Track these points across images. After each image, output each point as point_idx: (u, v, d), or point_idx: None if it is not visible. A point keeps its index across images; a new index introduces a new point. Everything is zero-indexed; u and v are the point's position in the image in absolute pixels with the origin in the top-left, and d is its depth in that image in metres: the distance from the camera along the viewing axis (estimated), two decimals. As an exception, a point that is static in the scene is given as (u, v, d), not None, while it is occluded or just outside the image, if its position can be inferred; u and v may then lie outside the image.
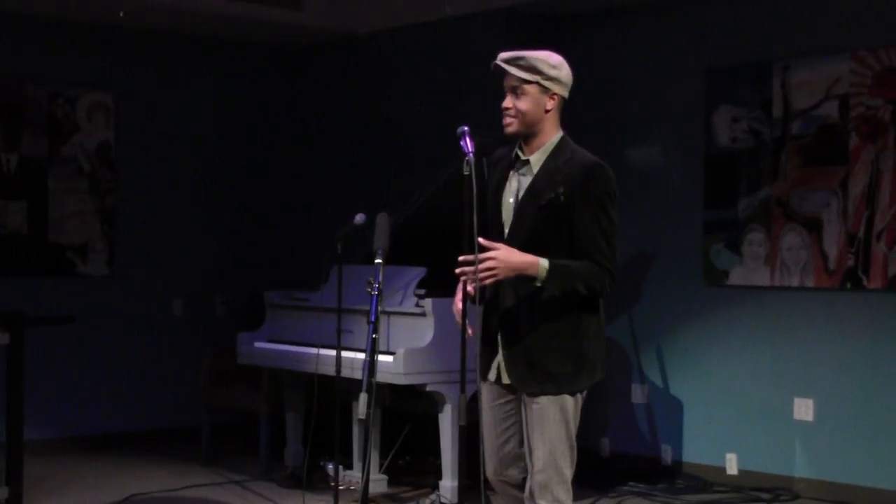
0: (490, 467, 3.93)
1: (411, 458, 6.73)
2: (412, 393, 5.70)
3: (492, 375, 3.84)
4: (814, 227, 6.19)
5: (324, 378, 5.60)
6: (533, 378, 3.73)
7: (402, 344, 5.62)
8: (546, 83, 3.71)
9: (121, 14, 7.24)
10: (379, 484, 6.10)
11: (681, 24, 6.78)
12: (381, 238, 4.15)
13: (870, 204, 6.00)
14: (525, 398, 3.76)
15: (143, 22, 7.61)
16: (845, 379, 6.11)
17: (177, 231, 8.04)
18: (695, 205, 6.66)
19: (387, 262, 4.15)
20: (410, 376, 5.53)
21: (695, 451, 6.64)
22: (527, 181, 3.77)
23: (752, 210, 6.42)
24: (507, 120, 3.76)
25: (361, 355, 3.97)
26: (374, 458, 6.10)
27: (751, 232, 6.43)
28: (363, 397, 3.83)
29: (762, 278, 6.38)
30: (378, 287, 3.98)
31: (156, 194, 7.95)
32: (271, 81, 8.47)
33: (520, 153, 3.81)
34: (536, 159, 3.77)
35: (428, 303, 5.62)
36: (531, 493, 3.77)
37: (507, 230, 3.78)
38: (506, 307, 3.77)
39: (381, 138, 7.96)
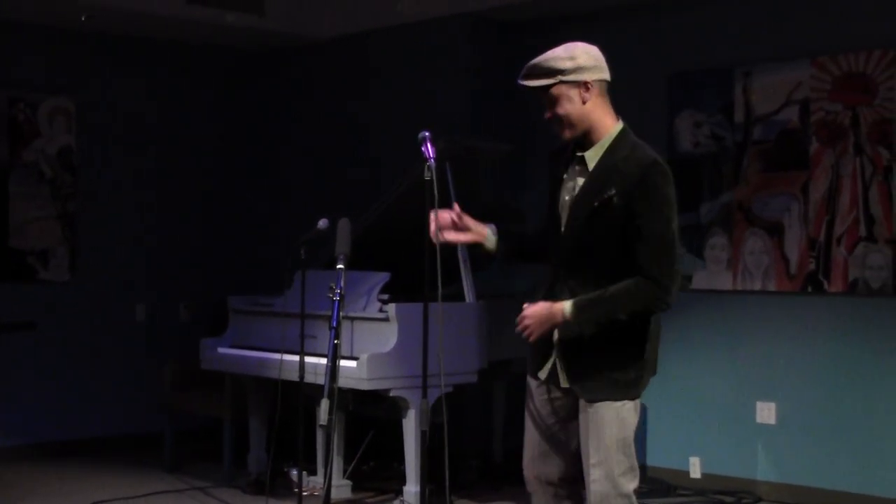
0: (527, 461, 3.75)
1: (375, 464, 6.71)
2: (376, 398, 5.69)
3: (543, 374, 3.68)
4: (775, 231, 6.23)
5: (287, 384, 5.58)
6: (595, 384, 3.55)
7: (365, 349, 5.61)
8: (570, 77, 3.54)
9: (82, 18, 7.20)
10: (343, 489, 6.09)
11: (643, 30, 6.81)
12: (342, 243, 4.14)
13: (830, 208, 6.05)
14: (583, 403, 3.58)
15: (105, 26, 7.57)
16: (807, 382, 6.15)
17: (139, 236, 7.99)
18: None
19: (350, 267, 4.14)
20: (374, 381, 5.52)
21: (658, 455, 6.67)
22: (582, 180, 3.60)
23: (714, 215, 6.46)
24: (557, 130, 3.60)
25: (325, 361, 3.96)
26: (338, 463, 6.08)
27: (713, 236, 6.47)
28: (325, 403, 3.82)
29: (724, 282, 6.42)
30: (340, 292, 3.97)
31: (118, 199, 7.90)
32: (234, 86, 8.44)
33: (577, 149, 3.63)
34: (592, 156, 3.58)
35: (391, 308, 5.61)
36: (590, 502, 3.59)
37: (562, 229, 3.62)
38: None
39: (345, 143, 7.95)
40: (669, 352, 6.63)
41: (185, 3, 7.22)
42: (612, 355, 3.56)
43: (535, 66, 3.56)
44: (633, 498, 3.59)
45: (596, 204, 3.51)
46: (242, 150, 8.46)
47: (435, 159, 3.74)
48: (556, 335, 3.61)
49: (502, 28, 7.26)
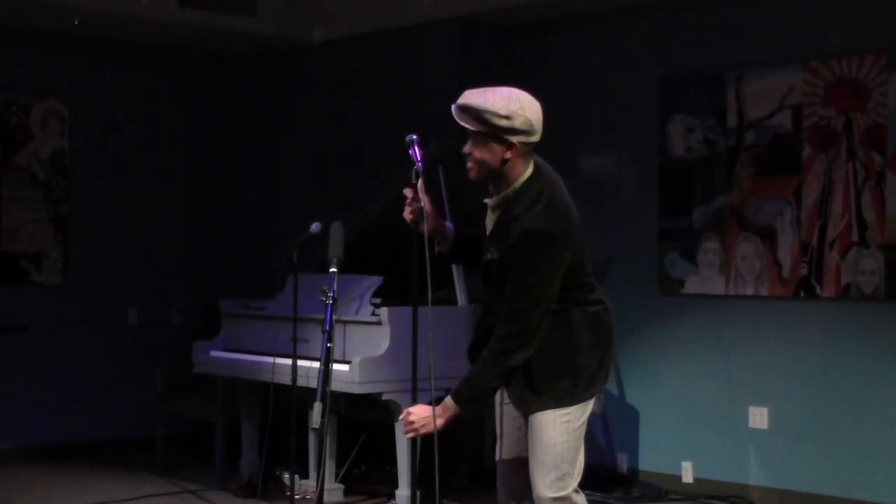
0: (504, 486, 3.92)
1: (367, 467, 6.71)
2: (368, 402, 5.68)
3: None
4: (768, 236, 6.24)
5: (280, 387, 5.58)
6: (531, 397, 3.70)
7: (357, 353, 5.61)
8: (499, 135, 3.56)
9: (75, 22, 7.19)
10: (335, 493, 6.08)
11: (636, 34, 6.82)
12: (335, 247, 4.14)
13: (822, 213, 6.05)
14: (527, 417, 3.75)
15: (98, 30, 7.56)
16: (799, 387, 6.16)
17: (131, 240, 7.98)
18: (650, 214, 6.70)
19: (343, 270, 4.14)
20: (366, 385, 5.52)
21: (650, 460, 6.67)
22: (488, 227, 3.72)
23: (706, 219, 6.47)
24: (469, 165, 3.66)
25: (317, 364, 3.96)
26: (330, 467, 6.08)
27: (705, 241, 6.47)
28: (317, 406, 3.81)
29: (717, 287, 6.42)
30: (332, 296, 3.97)
31: (110, 203, 7.90)
32: (227, 89, 8.44)
33: (490, 186, 3.72)
34: (494, 206, 3.69)
35: (384, 311, 5.61)
36: None
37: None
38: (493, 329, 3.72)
39: (337, 146, 7.95)
40: (661, 356, 6.67)
41: (177, 6, 7.21)
42: (542, 371, 3.68)
43: (472, 109, 3.55)
44: (575, 497, 3.72)
45: (488, 257, 3.68)
46: (235, 154, 8.45)
47: (423, 162, 3.74)
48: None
49: (494, 32, 7.26)
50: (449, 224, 3.92)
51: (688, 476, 6.49)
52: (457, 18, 7.12)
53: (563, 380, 3.69)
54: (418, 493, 4.10)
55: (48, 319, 7.51)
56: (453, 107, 3.61)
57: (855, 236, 5.94)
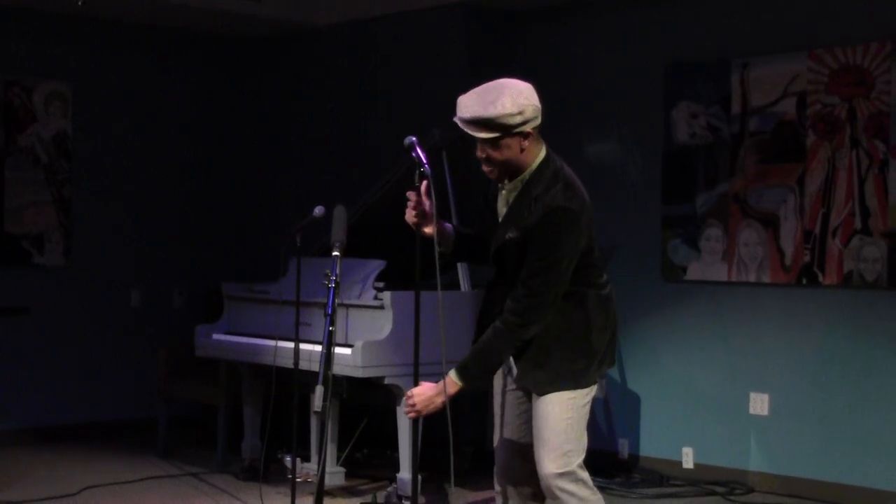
0: (502, 471, 3.93)
1: (369, 451, 6.72)
2: (370, 386, 5.69)
3: (506, 368, 3.89)
4: (770, 223, 6.24)
5: (282, 370, 5.58)
6: (545, 377, 3.74)
7: (360, 336, 5.61)
8: (516, 131, 3.61)
9: (79, 3, 7.17)
10: (336, 476, 6.09)
11: (640, 20, 6.81)
12: (338, 231, 4.13)
13: (826, 201, 6.05)
14: (534, 395, 3.78)
15: (101, 11, 7.55)
16: (800, 374, 6.17)
17: (134, 222, 7.98)
18: (653, 200, 6.70)
19: (346, 254, 4.14)
20: (368, 369, 5.52)
21: (651, 446, 6.68)
22: (504, 210, 3.77)
23: (709, 206, 6.46)
24: (488, 169, 3.71)
25: (319, 348, 3.95)
26: (332, 450, 6.09)
27: (708, 227, 6.47)
28: (319, 390, 3.81)
29: (719, 274, 6.42)
30: (335, 280, 3.96)
31: (113, 185, 7.90)
32: (230, 73, 8.43)
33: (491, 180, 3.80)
34: (511, 189, 3.74)
35: (387, 296, 5.61)
36: (545, 495, 3.77)
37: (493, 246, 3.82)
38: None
39: (341, 130, 7.94)
40: (663, 342, 6.68)
41: (182, -12, 7.21)
42: (558, 349, 3.73)
43: (484, 120, 3.58)
44: (580, 472, 3.74)
45: (507, 236, 3.71)
46: (239, 137, 8.45)
47: (430, 157, 3.74)
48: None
49: (500, 17, 7.25)
50: (448, 225, 3.94)
51: (688, 462, 6.51)
52: (463, 4, 7.12)
53: (578, 361, 3.75)
54: (420, 476, 4.10)
55: (50, 301, 7.52)
56: (459, 121, 3.64)
57: (857, 224, 5.94)
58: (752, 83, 6.30)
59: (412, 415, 3.74)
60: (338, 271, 3.98)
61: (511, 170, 3.70)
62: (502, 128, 3.58)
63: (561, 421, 3.71)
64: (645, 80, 6.74)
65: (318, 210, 5.08)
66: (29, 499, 5.90)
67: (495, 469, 3.96)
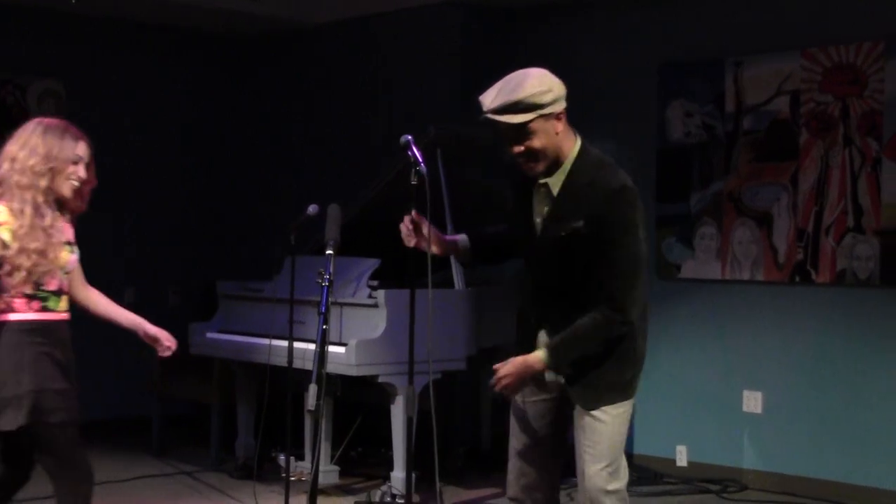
0: (512, 480, 3.74)
1: (363, 450, 6.72)
2: (364, 384, 5.69)
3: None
4: (764, 221, 6.25)
5: (276, 369, 5.58)
6: (594, 391, 3.57)
7: (354, 335, 5.61)
8: (548, 110, 3.45)
9: (73, 1, 7.17)
10: (330, 475, 6.09)
11: (635, 19, 6.81)
12: (332, 229, 4.13)
13: (819, 199, 6.06)
14: (579, 408, 3.61)
15: (96, 9, 7.54)
16: (793, 372, 6.18)
17: (128, 220, 7.97)
18: (647, 198, 6.69)
19: (340, 253, 4.14)
20: (362, 367, 5.52)
21: (645, 443, 6.69)
22: (547, 205, 3.56)
23: (704, 204, 6.47)
24: (528, 165, 3.50)
25: (313, 346, 3.95)
26: (326, 449, 6.08)
27: (703, 226, 6.48)
28: (313, 388, 3.81)
29: (713, 272, 6.43)
30: (329, 278, 3.96)
31: (107, 182, 7.81)
32: (226, 70, 8.42)
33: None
34: (555, 182, 3.54)
35: (381, 294, 5.61)
36: None
37: (534, 258, 3.64)
38: (554, 319, 3.58)
39: (337, 128, 7.94)
40: (657, 340, 6.63)
41: (176, -14, 7.20)
42: (607, 358, 3.56)
43: (516, 102, 3.41)
44: (624, 493, 3.61)
45: (563, 234, 3.50)
46: (234, 135, 8.45)
47: (425, 155, 3.71)
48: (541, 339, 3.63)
49: (496, 15, 7.26)
50: (459, 236, 3.84)
51: (682, 459, 6.52)
52: (461, 2, 7.12)
53: (627, 371, 3.62)
54: (413, 475, 4.10)
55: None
56: (489, 116, 3.45)
57: (850, 222, 5.96)
58: (746, 82, 6.32)
59: (503, 392, 3.55)
60: (331, 270, 3.98)
61: (551, 159, 3.50)
62: (533, 107, 3.41)
63: (615, 436, 3.58)
64: (639, 78, 6.74)
65: (312, 208, 5.08)
66: (21, 498, 5.88)
67: (509, 478, 3.79)
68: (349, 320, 5.73)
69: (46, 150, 3.85)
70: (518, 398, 3.71)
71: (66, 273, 3.92)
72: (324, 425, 5.93)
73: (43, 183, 3.81)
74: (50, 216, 3.82)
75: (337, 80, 7.95)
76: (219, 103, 8.41)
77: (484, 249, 3.88)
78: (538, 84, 3.45)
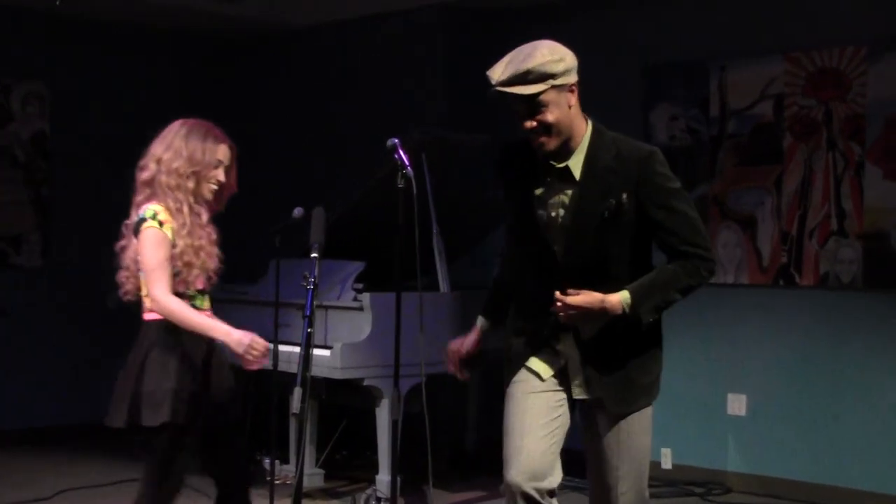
0: (522, 470, 3.37)
1: (348, 453, 6.72)
2: (349, 387, 5.69)
3: (545, 375, 3.45)
4: (748, 225, 6.27)
5: (260, 372, 5.55)
6: (626, 394, 3.39)
7: (339, 338, 5.61)
8: (560, 81, 3.30)
9: (56, 2, 7.15)
10: (315, 478, 6.09)
11: (619, 22, 6.83)
12: (317, 232, 4.13)
13: (802, 202, 6.08)
14: (612, 414, 3.42)
15: (80, 11, 7.52)
16: (777, 375, 6.20)
17: (113, 223, 7.91)
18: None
19: (325, 256, 4.13)
20: (347, 370, 5.52)
21: (630, 446, 6.69)
22: (572, 192, 3.35)
23: (688, 207, 6.48)
24: (541, 139, 3.29)
25: (298, 349, 3.95)
26: (311, 452, 6.08)
27: (687, 229, 6.49)
28: (298, 392, 3.81)
29: (697, 275, 6.44)
30: (313, 281, 3.96)
31: (91, 185, 7.86)
32: (209, 73, 8.41)
33: (552, 161, 3.35)
34: (575, 164, 3.34)
35: (366, 297, 5.61)
36: None
37: (559, 250, 3.36)
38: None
39: (319, 132, 7.93)
40: (642, 343, 6.68)
41: (161, -12, 7.19)
42: (637, 357, 3.42)
43: (527, 72, 3.24)
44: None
45: (606, 214, 3.31)
46: (217, 138, 8.42)
47: (410, 159, 3.70)
48: (568, 344, 3.44)
49: (477, 18, 7.26)
50: (478, 325, 3.74)
51: (667, 462, 6.53)
52: (440, 4, 7.12)
53: (653, 370, 3.49)
54: (399, 478, 4.10)
55: (28, 303, 7.48)
56: (500, 88, 3.27)
57: (834, 225, 5.98)
58: (731, 86, 6.34)
59: (561, 313, 3.28)
60: (316, 273, 3.98)
61: (565, 136, 3.32)
62: (545, 76, 3.25)
63: (646, 448, 3.46)
64: (623, 82, 6.75)
65: (297, 211, 5.07)
66: (3, 503, 5.87)
67: (512, 461, 3.48)
68: (334, 323, 5.72)
69: (189, 153, 3.88)
70: (518, 392, 3.47)
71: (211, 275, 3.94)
72: (309, 428, 5.92)
73: (190, 185, 3.82)
74: (205, 215, 3.87)
75: (319, 83, 7.94)
76: (201, 105, 8.33)
77: (499, 311, 3.70)
78: (549, 53, 3.30)
